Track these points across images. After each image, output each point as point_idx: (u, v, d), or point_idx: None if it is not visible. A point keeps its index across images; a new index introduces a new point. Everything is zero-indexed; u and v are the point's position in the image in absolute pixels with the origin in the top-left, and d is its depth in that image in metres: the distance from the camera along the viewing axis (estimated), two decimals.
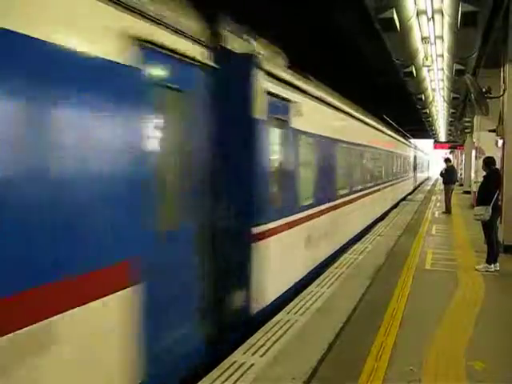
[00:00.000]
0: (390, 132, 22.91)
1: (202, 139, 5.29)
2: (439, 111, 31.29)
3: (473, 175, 21.41)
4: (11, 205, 2.94)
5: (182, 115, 5.02)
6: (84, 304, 3.44)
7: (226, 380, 4.66)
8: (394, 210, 21.00)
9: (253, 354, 5.29)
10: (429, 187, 42.94)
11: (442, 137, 50.32)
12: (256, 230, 6.13)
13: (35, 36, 3.04)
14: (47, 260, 3.18)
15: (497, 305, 7.48)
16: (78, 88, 3.43)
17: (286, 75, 7.61)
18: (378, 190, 18.36)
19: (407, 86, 19.96)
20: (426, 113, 30.94)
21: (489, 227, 9.55)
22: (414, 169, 36.90)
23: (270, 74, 6.59)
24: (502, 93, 12.37)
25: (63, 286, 3.28)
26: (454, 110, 28.33)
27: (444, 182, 20.41)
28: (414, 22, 11.51)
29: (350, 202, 12.45)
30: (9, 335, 2.88)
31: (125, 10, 3.88)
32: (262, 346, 5.49)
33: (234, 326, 5.78)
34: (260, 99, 6.18)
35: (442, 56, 15.25)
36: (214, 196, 5.43)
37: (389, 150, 21.89)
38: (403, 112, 30.56)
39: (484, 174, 9.97)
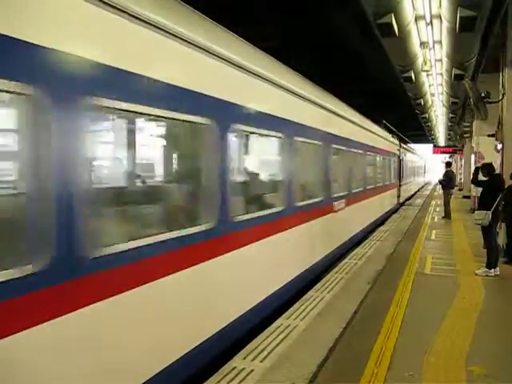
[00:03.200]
0: None
1: None
2: (438, 116, 31.37)
3: None
4: None
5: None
6: None
7: None
8: (394, 216, 20.93)
9: (252, 359, 5.27)
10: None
11: (442, 141, 50.35)
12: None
13: None
14: None
15: (497, 309, 7.46)
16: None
17: None
18: None
19: (406, 90, 19.99)
20: (425, 117, 31.00)
21: (488, 232, 9.55)
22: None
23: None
24: (500, 97, 12.41)
25: None
26: (453, 115, 28.38)
27: (443, 187, 20.39)
28: (412, 27, 11.55)
29: None
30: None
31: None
32: (261, 351, 5.48)
33: None
34: None
35: (441, 61, 15.30)
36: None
37: None
38: (402, 117, 30.62)
39: (484, 178, 9.98)
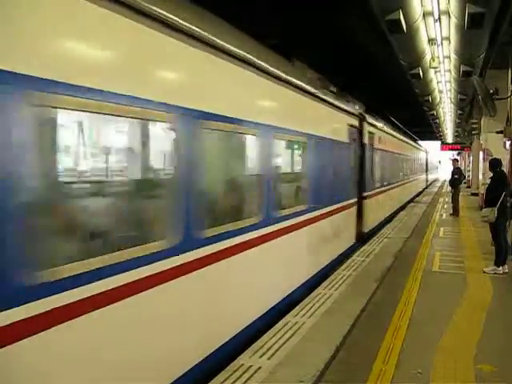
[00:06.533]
0: None
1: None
2: (446, 113, 31.15)
3: (480, 177, 21.28)
4: None
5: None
6: None
7: (234, 383, 4.65)
8: (402, 213, 20.87)
9: (260, 356, 5.28)
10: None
11: (449, 138, 50.09)
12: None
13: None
14: None
15: (505, 307, 7.43)
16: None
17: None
18: None
19: (414, 87, 19.90)
20: (433, 114, 30.82)
21: (496, 229, 9.49)
22: None
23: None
24: (509, 94, 12.34)
25: None
26: (461, 112, 28.20)
27: (451, 184, 20.27)
28: (420, 23, 11.47)
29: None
30: None
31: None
32: (269, 348, 5.48)
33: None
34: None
35: (449, 57, 15.19)
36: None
37: None
38: (410, 114, 30.47)
39: (491, 175, 9.95)
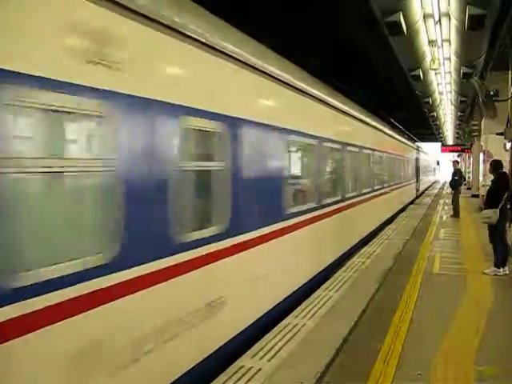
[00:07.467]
0: None
1: None
2: (446, 114, 31.19)
3: (481, 178, 21.29)
4: None
5: None
6: None
7: None
8: (402, 214, 20.85)
9: (260, 358, 5.27)
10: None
11: (450, 140, 50.14)
12: None
13: None
14: None
15: (506, 309, 7.42)
16: None
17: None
18: None
19: (414, 89, 19.93)
20: (434, 116, 30.86)
21: (494, 230, 9.47)
22: None
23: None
24: (509, 95, 12.34)
25: None
26: (461, 113, 28.24)
27: (451, 186, 20.26)
28: (420, 25, 11.50)
29: None
30: None
31: None
32: (269, 350, 5.48)
33: None
34: None
35: (450, 59, 15.22)
36: None
37: None
38: (410, 115, 30.50)
39: (492, 177, 9.95)
